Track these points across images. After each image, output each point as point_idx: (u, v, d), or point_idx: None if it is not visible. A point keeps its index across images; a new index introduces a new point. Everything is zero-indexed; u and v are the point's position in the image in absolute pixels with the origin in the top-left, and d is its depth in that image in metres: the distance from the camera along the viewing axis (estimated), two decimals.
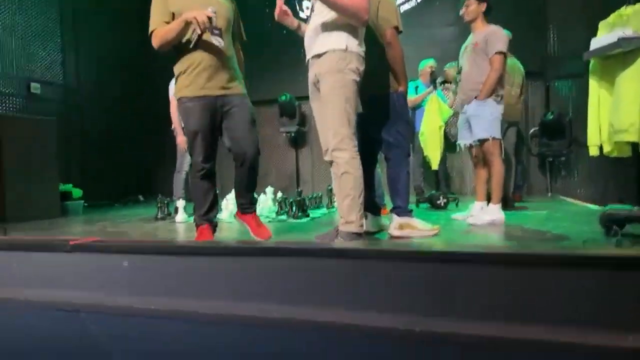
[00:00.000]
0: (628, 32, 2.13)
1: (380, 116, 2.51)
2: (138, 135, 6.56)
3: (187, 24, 2.15)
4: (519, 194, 4.49)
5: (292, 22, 2.35)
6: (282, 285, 1.56)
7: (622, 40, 2.13)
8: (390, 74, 2.49)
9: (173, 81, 4.02)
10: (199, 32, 2.14)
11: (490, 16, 3.11)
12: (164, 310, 1.64)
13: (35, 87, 5.39)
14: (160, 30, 2.22)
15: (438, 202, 4.02)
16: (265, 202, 4.17)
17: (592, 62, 2.49)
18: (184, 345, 1.68)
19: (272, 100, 5.83)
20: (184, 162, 4.23)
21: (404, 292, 1.24)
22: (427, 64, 4.72)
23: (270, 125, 6.14)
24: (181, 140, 3.98)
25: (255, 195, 2.71)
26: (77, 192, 5.16)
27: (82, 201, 5.15)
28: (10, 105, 5.06)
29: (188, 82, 2.25)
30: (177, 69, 2.31)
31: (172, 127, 4.15)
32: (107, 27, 6.32)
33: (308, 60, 2.24)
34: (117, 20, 6.43)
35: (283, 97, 5.68)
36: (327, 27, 2.10)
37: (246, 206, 2.54)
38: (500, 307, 1.14)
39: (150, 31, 2.26)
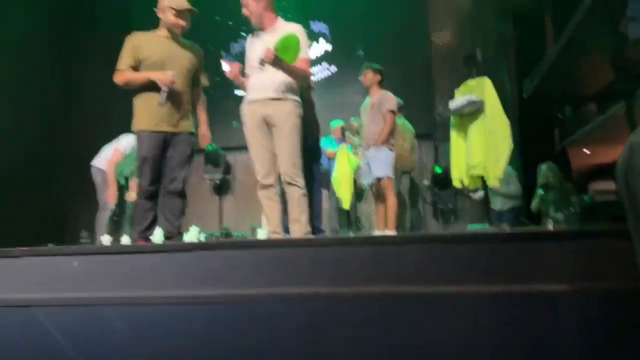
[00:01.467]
0: (473, 97, 3.01)
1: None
2: (49, 180, 6.44)
3: (151, 79, 2.61)
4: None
5: (240, 80, 2.78)
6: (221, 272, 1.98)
7: (469, 102, 3.01)
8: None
9: (125, 136, 4.43)
10: (165, 89, 2.58)
11: (384, 83, 3.96)
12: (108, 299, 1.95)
13: None
14: (125, 73, 2.66)
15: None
16: (190, 238, 4.43)
17: (451, 118, 3.37)
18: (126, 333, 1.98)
19: (198, 150, 6.21)
20: (107, 201, 4.41)
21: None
22: (338, 124, 5.54)
23: (195, 173, 6.45)
24: (111, 197, 4.26)
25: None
26: None
27: None
28: None
29: (146, 117, 2.67)
30: (137, 106, 2.72)
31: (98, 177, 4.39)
32: (24, 68, 6.32)
33: (258, 100, 2.67)
34: (34, 61, 6.48)
35: (209, 147, 6.10)
36: (284, 80, 2.62)
37: (172, 234, 2.80)
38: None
39: (117, 69, 2.67)
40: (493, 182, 2.98)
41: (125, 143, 4.38)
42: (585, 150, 5.87)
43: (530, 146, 5.17)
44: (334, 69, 6.75)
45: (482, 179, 3.07)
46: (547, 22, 5.63)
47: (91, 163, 4.68)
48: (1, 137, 5.88)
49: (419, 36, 6.57)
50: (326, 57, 6.76)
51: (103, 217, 4.38)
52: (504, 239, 1.98)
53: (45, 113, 6.54)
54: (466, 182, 3.19)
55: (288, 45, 2.46)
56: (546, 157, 4.79)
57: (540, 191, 4.31)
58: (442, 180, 6.07)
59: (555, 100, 5.29)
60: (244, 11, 2.70)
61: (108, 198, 4.34)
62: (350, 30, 6.71)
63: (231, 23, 6.52)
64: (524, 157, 5.23)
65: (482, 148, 2.98)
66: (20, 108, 6.16)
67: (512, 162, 3.52)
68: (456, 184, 3.44)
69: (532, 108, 5.30)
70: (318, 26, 6.79)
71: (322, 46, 6.77)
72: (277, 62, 2.50)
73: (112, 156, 4.37)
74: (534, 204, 4.40)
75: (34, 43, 6.42)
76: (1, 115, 5.92)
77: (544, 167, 4.40)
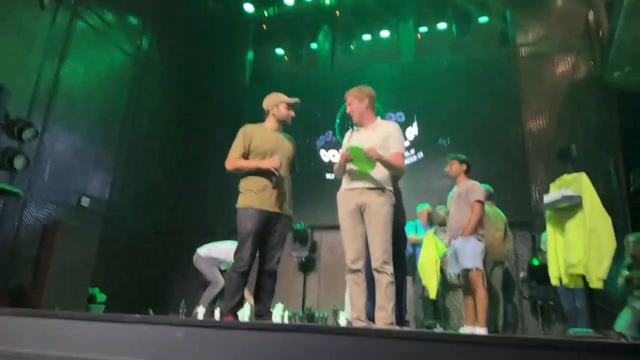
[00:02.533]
0: (569, 192, 2.89)
1: None
2: (162, 253, 7.20)
3: (261, 169, 2.93)
4: (510, 331, 4.83)
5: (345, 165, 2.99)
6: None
7: (564, 197, 2.89)
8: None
9: (205, 246, 5.16)
10: (277, 173, 2.89)
11: (472, 173, 3.97)
12: None
13: (85, 201, 6.23)
14: (236, 160, 3.00)
15: (435, 329, 4.40)
16: (275, 317, 4.57)
17: (547, 212, 3.21)
18: None
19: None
20: (220, 279, 4.83)
21: None
22: (424, 207, 5.53)
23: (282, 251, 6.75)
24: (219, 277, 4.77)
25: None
26: (102, 297, 5.59)
27: (104, 305, 5.54)
28: (63, 214, 5.80)
29: (253, 196, 2.93)
30: (245, 185, 2.99)
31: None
32: (153, 157, 7.44)
33: (354, 189, 2.85)
34: (163, 150, 7.60)
35: (298, 226, 6.42)
36: (379, 170, 2.82)
37: (264, 313, 2.98)
38: None
39: (229, 156, 3.02)
40: (596, 284, 2.74)
41: (221, 251, 5.04)
42: None
43: None
44: (421, 154, 6.89)
45: (584, 278, 2.83)
46: None
47: (197, 250, 5.29)
48: (123, 207, 6.83)
49: (514, 122, 6.53)
50: (414, 144, 6.96)
51: (212, 293, 4.76)
52: (612, 349, 1.80)
53: (168, 189, 7.53)
54: (565, 280, 2.96)
55: (357, 154, 2.73)
56: None
57: (625, 272, 3.57)
58: (541, 273, 5.61)
59: None
60: (348, 109, 3.01)
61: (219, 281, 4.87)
62: (438, 118, 6.91)
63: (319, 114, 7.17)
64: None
65: (581, 245, 2.79)
66: (145, 181, 7.17)
67: (619, 261, 3.22)
68: (554, 282, 3.20)
69: None
70: (408, 116, 7.10)
71: (412, 133, 7.01)
72: (380, 157, 2.73)
73: (202, 263, 5.16)
74: (620, 282, 3.62)
75: (164, 133, 7.60)
76: (124, 191, 6.92)
77: (631, 239, 3.70)
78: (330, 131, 7.43)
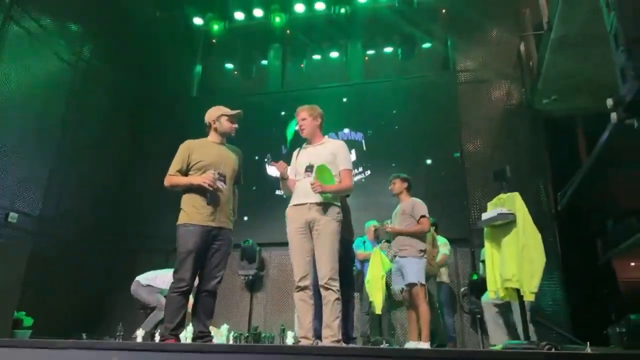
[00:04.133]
0: (504, 210, 3.10)
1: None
2: (97, 273, 6.78)
3: (194, 185, 2.87)
4: (452, 344, 5.01)
5: (287, 175, 3.05)
6: None
7: (499, 215, 3.09)
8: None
9: (145, 274, 4.93)
10: (209, 188, 2.84)
11: (414, 191, 4.14)
12: None
13: (12, 217, 5.76)
14: (173, 178, 2.94)
15: (380, 345, 4.46)
16: (219, 338, 4.43)
17: (485, 230, 3.42)
18: None
19: (235, 244, 6.43)
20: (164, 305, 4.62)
21: None
22: (372, 224, 5.65)
23: (229, 268, 6.59)
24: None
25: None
26: (28, 321, 5.14)
27: (30, 330, 5.10)
28: None
29: (194, 212, 2.85)
30: (185, 201, 2.91)
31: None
32: (92, 171, 7.06)
33: (302, 204, 2.87)
34: (102, 163, 7.23)
35: (246, 242, 6.31)
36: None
37: (205, 334, 2.86)
38: None
39: (167, 174, 2.94)
40: (529, 297, 2.92)
41: (163, 281, 4.81)
42: (631, 263, 5.64)
43: (572, 259, 5.03)
44: (367, 173, 7.06)
45: (518, 291, 3.02)
46: (579, 132, 5.83)
47: (135, 279, 5.04)
48: (56, 224, 6.39)
49: (454, 143, 6.87)
50: (361, 162, 7.13)
51: (158, 317, 4.54)
52: (542, 358, 1.92)
53: (105, 205, 7.13)
54: (501, 294, 3.13)
55: (323, 174, 2.81)
56: (589, 270, 4.65)
57: None
58: (479, 288, 5.88)
59: (594, 211, 5.25)
60: (301, 123, 3.07)
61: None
62: (384, 137, 7.14)
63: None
64: (566, 270, 5.07)
65: (515, 260, 2.98)
66: (80, 196, 6.76)
67: (549, 275, 3.47)
68: (491, 295, 3.38)
69: (570, 220, 5.26)
70: (354, 135, 7.29)
71: (358, 152, 7.18)
72: (325, 189, 2.79)
73: (145, 291, 4.93)
74: None
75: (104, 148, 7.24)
76: (58, 207, 6.50)
77: None
78: (282, 146, 7.42)
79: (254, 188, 6.89)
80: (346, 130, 7.29)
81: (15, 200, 5.83)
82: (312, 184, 2.76)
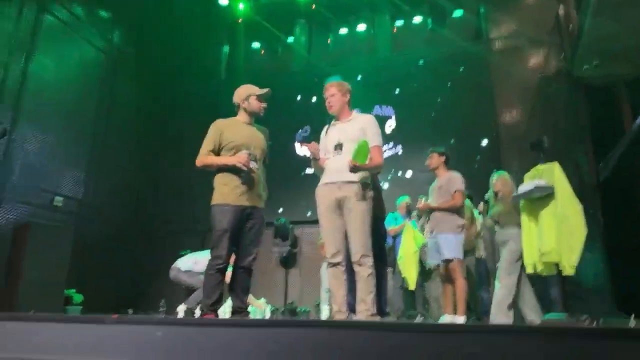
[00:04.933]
0: (541, 182, 2.98)
1: None
2: (139, 251, 7.07)
3: (228, 165, 2.88)
4: (487, 319, 4.96)
5: (317, 154, 3.02)
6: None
7: (536, 188, 2.98)
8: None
9: (184, 260, 4.96)
10: (244, 169, 2.86)
11: (450, 165, 4.04)
12: None
13: (57, 200, 6.05)
14: (206, 158, 2.95)
15: (416, 319, 4.48)
16: (256, 313, 4.56)
17: (521, 203, 3.31)
18: None
19: (268, 222, 6.54)
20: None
21: None
22: (404, 200, 5.59)
23: (263, 245, 6.72)
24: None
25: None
26: (78, 298, 5.47)
27: (81, 307, 5.42)
28: (35, 214, 5.64)
29: (228, 192, 2.88)
30: (218, 181, 2.94)
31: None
32: (128, 154, 7.29)
33: (333, 183, 2.86)
34: (138, 146, 7.45)
35: (279, 220, 6.41)
36: None
37: (242, 309, 2.94)
38: None
39: (199, 154, 2.96)
40: (569, 271, 2.84)
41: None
42: None
43: (614, 231, 4.83)
44: (400, 148, 6.96)
45: (557, 265, 2.93)
46: (622, 100, 5.51)
47: (173, 266, 5.06)
48: (98, 207, 6.68)
49: (488, 115, 6.66)
50: (393, 137, 7.02)
51: (201, 295, 4.65)
52: (583, 333, 1.87)
53: (144, 186, 7.38)
54: (539, 268, 3.05)
55: (361, 151, 2.73)
56: (633, 241, 4.45)
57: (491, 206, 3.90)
58: None
59: (637, 181, 4.99)
60: (331, 99, 3.01)
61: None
62: (415, 111, 6.99)
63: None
64: (609, 242, 4.88)
65: (554, 234, 2.89)
66: (119, 178, 7.01)
67: (590, 247, 3.35)
68: (529, 270, 3.29)
69: (613, 190, 5.03)
70: (385, 110, 7.16)
71: (390, 126, 7.08)
72: (358, 169, 2.75)
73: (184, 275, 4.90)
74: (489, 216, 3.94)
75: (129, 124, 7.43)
76: (97, 189, 6.77)
77: (494, 177, 4.05)
78: (308, 126, 7.41)
79: (283, 167, 6.92)
80: (376, 107, 7.18)
81: (59, 185, 6.11)
82: (349, 168, 2.73)
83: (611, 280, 4.92)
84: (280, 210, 6.84)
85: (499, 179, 3.91)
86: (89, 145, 6.66)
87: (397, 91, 7.16)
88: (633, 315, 2.52)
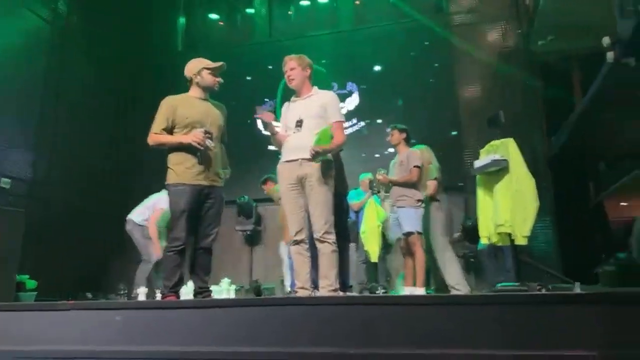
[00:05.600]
0: (497, 156, 3.09)
1: None
2: (95, 232, 6.81)
3: (183, 144, 2.78)
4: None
5: (272, 128, 2.96)
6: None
7: (493, 162, 3.09)
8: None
9: (159, 194, 4.74)
10: (200, 147, 2.76)
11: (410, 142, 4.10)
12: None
13: (5, 182, 5.71)
14: (159, 136, 2.83)
15: (377, 292, 4.61)
16: (220, 292, 4.53)
17: (477, 177, 3.43)
18: None
19: (231, 201, 6.47)
20: (152, 255, 4.62)
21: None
22: (366, 177, 5.66)
23: (227, 224, 6.66)
24: (157, 251, 4.50)
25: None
26: (32, 284, 5.23)
27: (35, 293, 5.20)
28: None
29: (183, 171, 2.79)
30: (173, 160, 2.84)
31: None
32: (81, 130, 6.91)
33: (294, 160, 2.82)
34: (91, 122, 7.07)
35: (241, 198, 6.34)
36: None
37: (204, 289, 2.90)
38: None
39: (151, 131, 2.83)
40: (521, 241, 2.98)
41: (164, 201, 4.65)
42: (622, 203, 5.73)
43: (564, 202, 5.09)
44: (362, 124, 6.98)
45: (510, 236, 3.08)
46: (575, 75, 5.72)
47: (128, 217, 4.94)
48: (50, 187, 6.36)
49: (448, 90, 6.76)
50: (355, 113, 7.02)
51: (146, 270, 4.56)
52: (533, 300, 1.97)
53: (98, 164, 7.05)
54: (494, 239, 3.19)
55: (323, 136, 2.72)
56: (580, 212, 4.73)
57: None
58: (473, 233, 6.00)
59: (587, 155, 5.26)
60: (290, 73, 2.94)
61: (155, 252, 4.57)
62: (379, 87, 7.00)
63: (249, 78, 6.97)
64: (558, 214, 5.14)
65: (508, 206, 3.02)
66: (72, 157, 6.68)
67: (542, 218, 3.53)
68: (484, 241, 3.44)
69: (563, 164, 5.27)
70: (348, 86, 7.13)
71: (352, 103, 7.06)
72: (319, 154, 2.73)
73: (154, 214, 4.62)
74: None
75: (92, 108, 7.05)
76: (49, 170, 6.44)
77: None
78: (268, 100, 7.27)
79: (244, 144, 6.81)
80: (335, 85, 7.12)
81: (5, 166, 5.75)
82: (311, 155, 2.71)
83: (559, 249, 5.22)
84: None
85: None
86: (37, 124, 6.27)
87: (358, 66, 7.12)
88: (578, 283, 2.69)
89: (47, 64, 6.46)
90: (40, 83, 6.34)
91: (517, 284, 3.09)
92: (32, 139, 6.18)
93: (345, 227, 3.20)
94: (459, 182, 6.34)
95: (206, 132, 2.80)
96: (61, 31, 6.73)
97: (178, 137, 2.83)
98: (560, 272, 5.20)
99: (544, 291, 2.58)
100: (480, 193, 3.34)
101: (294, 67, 2.94)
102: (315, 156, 2.72)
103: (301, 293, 2.78)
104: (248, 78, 7.13)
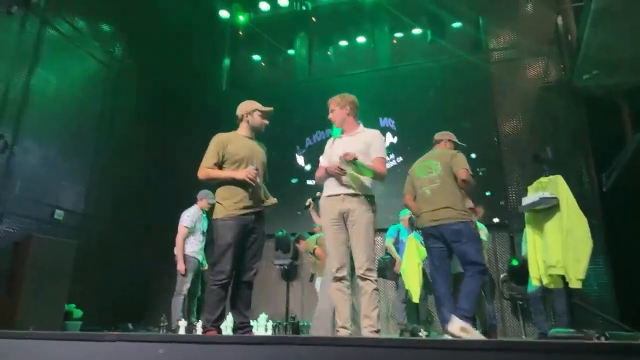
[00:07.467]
0: (546, 194, 2.98)
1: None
2: (140, 265, 7.01)
3: (236, 179, 2.89)
4: (493, 333, 4.90)
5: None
6: None
7: (542, 199, 2.97)
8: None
9: (186, 212, 4.89)
10: (253, 183, 2.86)
11: None
12: None
13: (58, 214, 6.02)
14: (210, 170, 2.94)
15: (419, 334, 4.44)
16: (257, 327, 4.51)
17: (526, 214, 3.29)
18: None
19: (269, 235, 6.50)
20: (183, 286, 4.68)
21: None
22: (407, 213, 5.57)
23: (265, 258, 6.68)
24: (181, 267, 4.58)
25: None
26: (78, 313, 5.41)
27: (81, 322, 5.36)
28: (36, 228, 5.57)
29: (231, 206, 2.87)
30: (221, 195, 2.93)
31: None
32: (129, 167, 7.27)
33: (336, 195, 2.83)
34: (139, 159, 7.43)
35: (280, 233, 6.37)
36: (360, 177, 2.83)
37: (245, 324, 2.91)
38: None
39: (202, 166, 2.95)
40: (576, 284, 2.81)
41: (185, 217, 4.78)
42: None
43: (618, 242, 4.79)
44: (400, 159, 6.96)
45: (563, 277, 2.91)
46: (623, 109, 5.51)
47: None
48: (105, 216, 6.65)
49: (489, 126, 6.66)
50: (393, 149, 7.02)
51: (178, 302, 4.61)
52: (592, 349, 1.84)
53: (144, 199, 7.34)
54: (545, 281, 3.03)
55: (363, 167, 2.75)
56: (637, 252, 4.42)
57: None
58: (520, 274, 5.72)
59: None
60: (331, 115, 3.02)
61: (179, 267, 4.64)
62: (415, 123, 7.00)
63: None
64: (611, 254, 4.84)
65: (559, 246, 2.87)
66: (120, 191, 6.98)
67: (594, 259, 3.32)
68: (535, 283, 3.27)
69: (616, 201, 5.01)
70: (385, 121, 7.18)
71: (389, 139, 7.08)
72: (351, 163, 2.73)
73: (179, 232, 4.75)
74: None
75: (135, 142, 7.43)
76: (99, 202, 6.74)
77: None
78: (307, 137, 7.41)
79: (284, 179, 6.94)
80: (377, 119, 7.18)
81: (60, 199, 6.08)
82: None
83: (614, 292, 4.87)
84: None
85: None
86: (91, 159, 6.65)
87: (397, 102, 7.17)
88: None
89: (102, 103, 6.92)
90: (95, 121, 6.76)
91: (572, 330, 2.89)
92: (86, 174, 6.54)
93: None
94: (502, 220, 6.13)
95: (257, 169, 2.91)
96: (116, 73, 7.22)
97: (231, 172, 2.93)
98: (616, 318, 4.84)
99: (602, 339, 2.40)
100: (530, 232, 3.20)
101: (333, 109, 3.03)
102: (348, 164, 2.71)
103: (342, 333, 2.71)
104: (289, 115, 7.30)
